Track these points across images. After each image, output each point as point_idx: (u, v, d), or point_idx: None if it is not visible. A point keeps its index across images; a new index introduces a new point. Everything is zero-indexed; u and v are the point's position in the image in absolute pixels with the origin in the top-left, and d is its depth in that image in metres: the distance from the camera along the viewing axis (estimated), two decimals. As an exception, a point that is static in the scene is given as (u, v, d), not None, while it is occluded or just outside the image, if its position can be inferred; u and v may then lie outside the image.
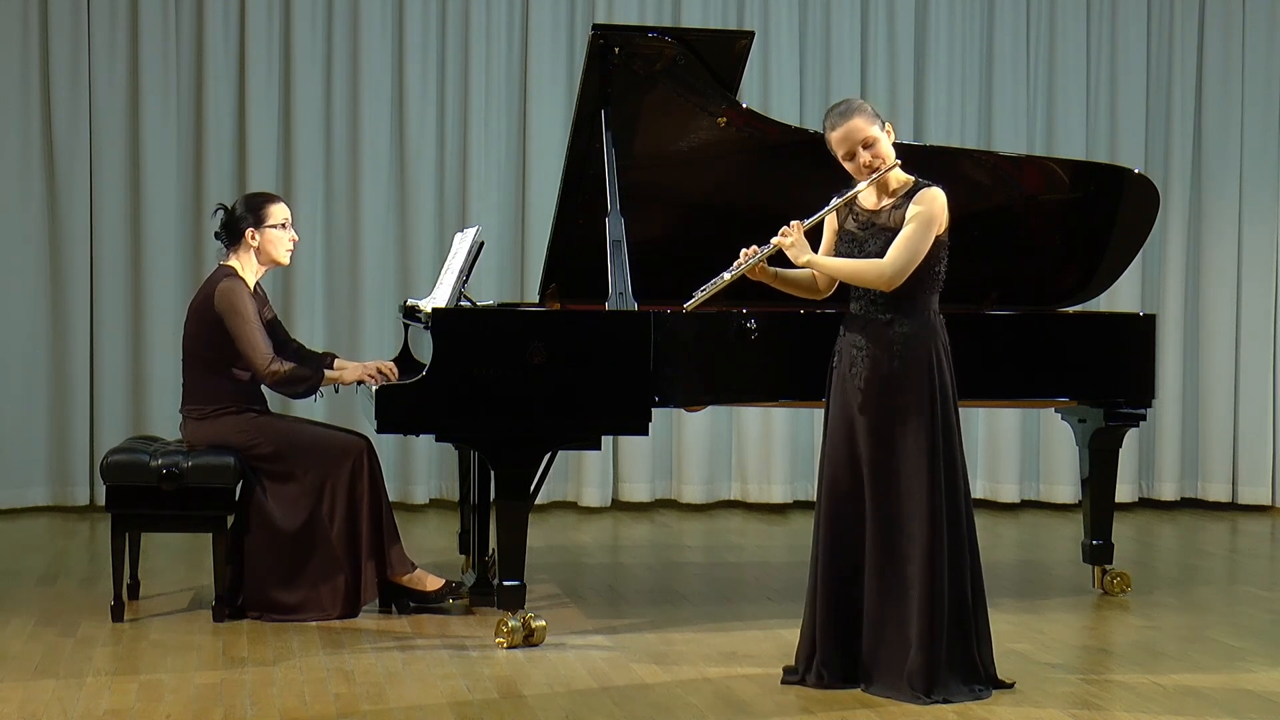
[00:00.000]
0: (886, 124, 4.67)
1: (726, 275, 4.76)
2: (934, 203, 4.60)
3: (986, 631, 4.69)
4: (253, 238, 5.64)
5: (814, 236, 4.79)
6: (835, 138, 4.65)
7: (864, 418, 4.61)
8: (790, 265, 4.77)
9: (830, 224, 4.78)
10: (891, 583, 4.57)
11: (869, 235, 4.64)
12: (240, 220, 5.65)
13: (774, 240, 4.69)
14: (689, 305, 4.86)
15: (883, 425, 4.59)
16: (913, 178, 4.68)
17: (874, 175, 4.62)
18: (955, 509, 4.60)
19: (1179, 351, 8.57)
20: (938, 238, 4.61)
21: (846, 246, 4.70)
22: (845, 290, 4.80)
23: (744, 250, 4.75)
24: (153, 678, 4.71)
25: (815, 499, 4.80)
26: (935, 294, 4.67)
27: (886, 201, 4.66)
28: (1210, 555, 7.32)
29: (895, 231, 4.60)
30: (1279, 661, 5.09)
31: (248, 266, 5.67)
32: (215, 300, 5.53)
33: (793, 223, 4.69)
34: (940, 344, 4.64)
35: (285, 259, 5.75)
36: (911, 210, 4.59)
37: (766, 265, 4.77)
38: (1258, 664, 5.05)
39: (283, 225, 5.68)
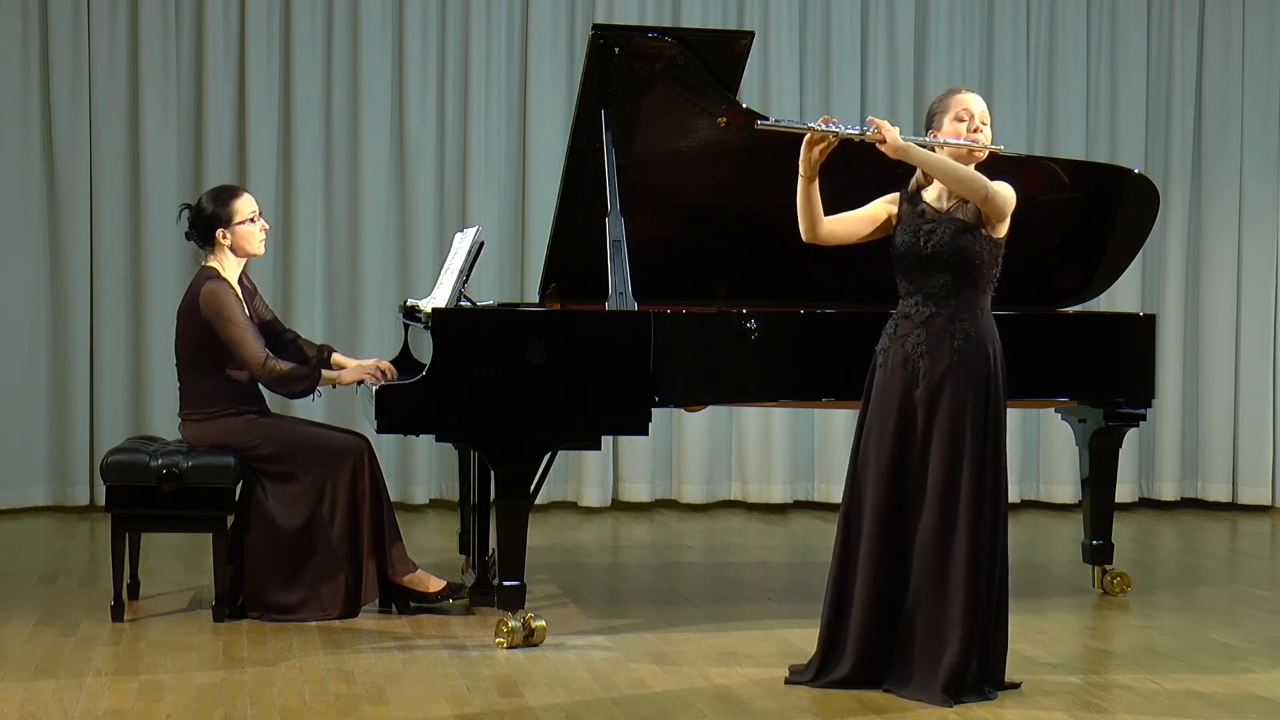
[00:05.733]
0: None
1: (812, 124, 4.55)
2: (1008, 186, 4.62)
3: (1005, 637, 4.67)
4: (224, 237, 5.61)
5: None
6: (964, 97, 4.68)
7: (922, 415, 4.57)
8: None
9: (889, 208, 4.74)
10: (934, 583, 4.52)
11: (936, 225, 4.60)
12: (209, 221, 5.62)
13: (870, 131, 4.51)
14: (763, 124, 4.69)
15: (941, 422, 4.55)
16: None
17: (974, 145, 4.62)
18: (997, 512, 4.58)
19: (1179, 351, 8.57)
20: (998, 240, 4.62)
21: (908, 233, 4.65)
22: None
23: (830, 117, 4.60)
24: (153, 678, 4.71)
25: (842, 503, 4.69)
26: (990, 295, 4.67)
27: (954, 200, 4.64)
28: (1210, 555, 7.32)
29: (967, 222, 4.58)
30: (1279, 662, 5.10)
31: (227, 265, 5.65)
32: (200, 305, 5.52)
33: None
34: (995, 343, 4.63)
35: (260, 250, 5.72)
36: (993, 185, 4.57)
37: (825, 156, 4.55)
38: (1258, 664, 5.05)
39: (251, 219, 5.65)
